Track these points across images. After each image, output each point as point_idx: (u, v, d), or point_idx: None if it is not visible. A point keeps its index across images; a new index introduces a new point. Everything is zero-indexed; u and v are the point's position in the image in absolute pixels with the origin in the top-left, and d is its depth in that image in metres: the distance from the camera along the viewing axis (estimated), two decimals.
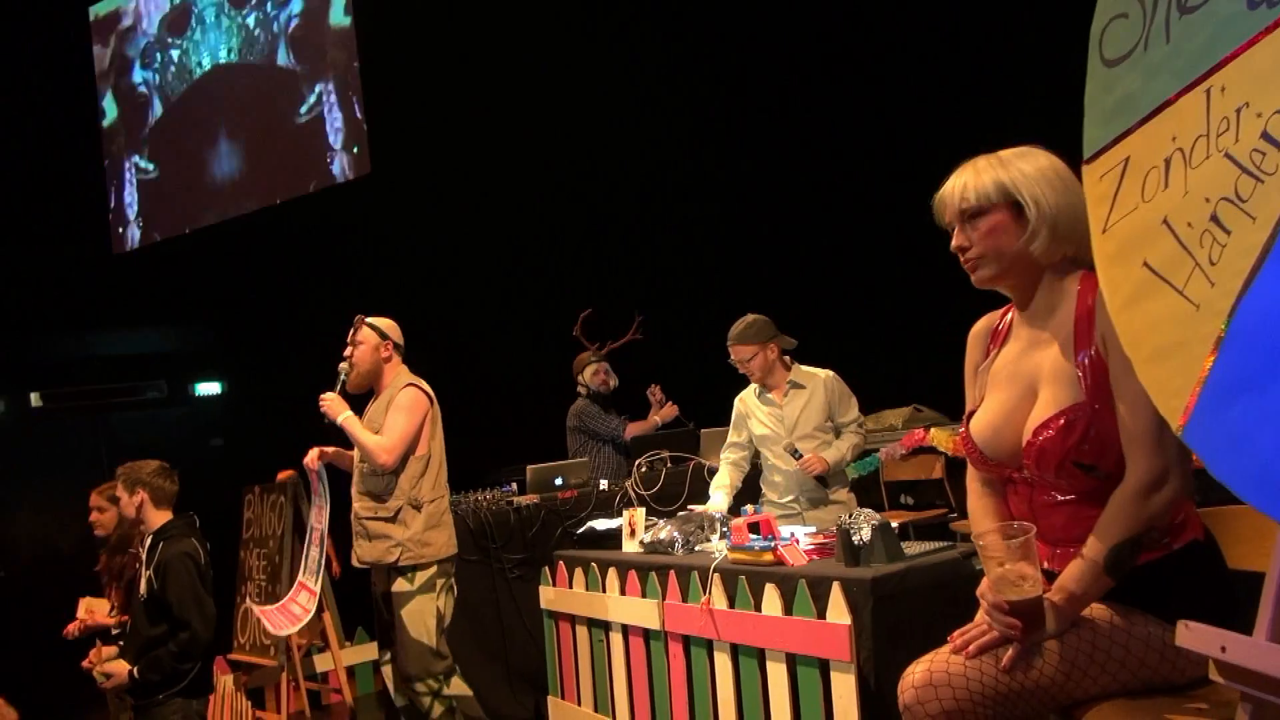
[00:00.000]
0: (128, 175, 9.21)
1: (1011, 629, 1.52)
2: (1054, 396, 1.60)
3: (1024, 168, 1.64)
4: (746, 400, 3.78)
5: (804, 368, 3.72)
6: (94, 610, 3.86)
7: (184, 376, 9.74)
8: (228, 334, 9.58)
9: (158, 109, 9.01)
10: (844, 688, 2.45)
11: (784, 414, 3.65)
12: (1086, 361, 1.57)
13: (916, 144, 5.24)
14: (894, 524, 2.71)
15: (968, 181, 1.67)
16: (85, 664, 3.40)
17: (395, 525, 3.20)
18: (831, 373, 3.69)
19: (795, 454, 3.55)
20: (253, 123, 8.40)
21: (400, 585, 3.22)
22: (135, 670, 3.09)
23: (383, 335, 3.38)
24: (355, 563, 3.32)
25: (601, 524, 3.79)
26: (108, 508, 3.56)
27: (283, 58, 8.25)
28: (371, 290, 7.81)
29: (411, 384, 3.33)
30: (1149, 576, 1.55)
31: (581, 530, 3.86)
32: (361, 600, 5.07)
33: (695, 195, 6.69)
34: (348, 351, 3.33)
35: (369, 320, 3.42)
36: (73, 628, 3.83)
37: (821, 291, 5.92)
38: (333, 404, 3.25)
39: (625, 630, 3.33)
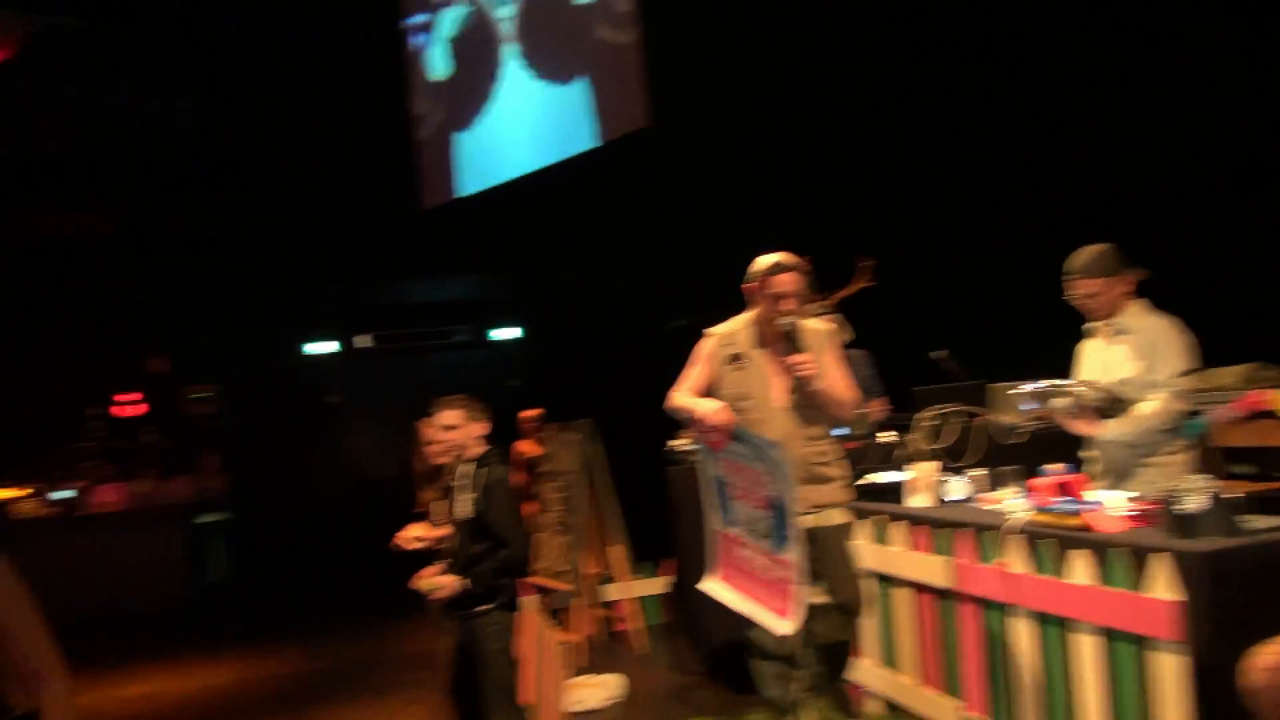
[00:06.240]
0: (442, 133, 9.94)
1: None
2: None
3: None
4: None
5: (1141, 308, 3.11)
6: (422, 531, 4.20)
7: (485, 322, 10.67)
8: (527, 284, 10.31)
9: (448, 66, 9.60)
10: (1167, 670, 2.25)
11: (1105, 359, 3.18)
12: None
13: None
14: (1231, 495, 2.42)
15: None
16: (415, 583, 3.70)
17: (838, 466, 3.19)
18: (1161, 320, 3.07)
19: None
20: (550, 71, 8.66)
21: (840, 518, 3.15)
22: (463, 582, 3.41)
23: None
24: (805, 509, 3.02)
25: (884, 476, 3.69)
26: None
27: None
28: (656, 246, 8.06)
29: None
30: None
31: (861, 482, 3.77)
32: (653, 536, 5.32)
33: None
34: (792, 303, 3.07)
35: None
36: (408, 546, 4.16)
37: (1145, 224, 5.18)
38: (813, 365, 3.03)
39: (914, 587, 3.27)
